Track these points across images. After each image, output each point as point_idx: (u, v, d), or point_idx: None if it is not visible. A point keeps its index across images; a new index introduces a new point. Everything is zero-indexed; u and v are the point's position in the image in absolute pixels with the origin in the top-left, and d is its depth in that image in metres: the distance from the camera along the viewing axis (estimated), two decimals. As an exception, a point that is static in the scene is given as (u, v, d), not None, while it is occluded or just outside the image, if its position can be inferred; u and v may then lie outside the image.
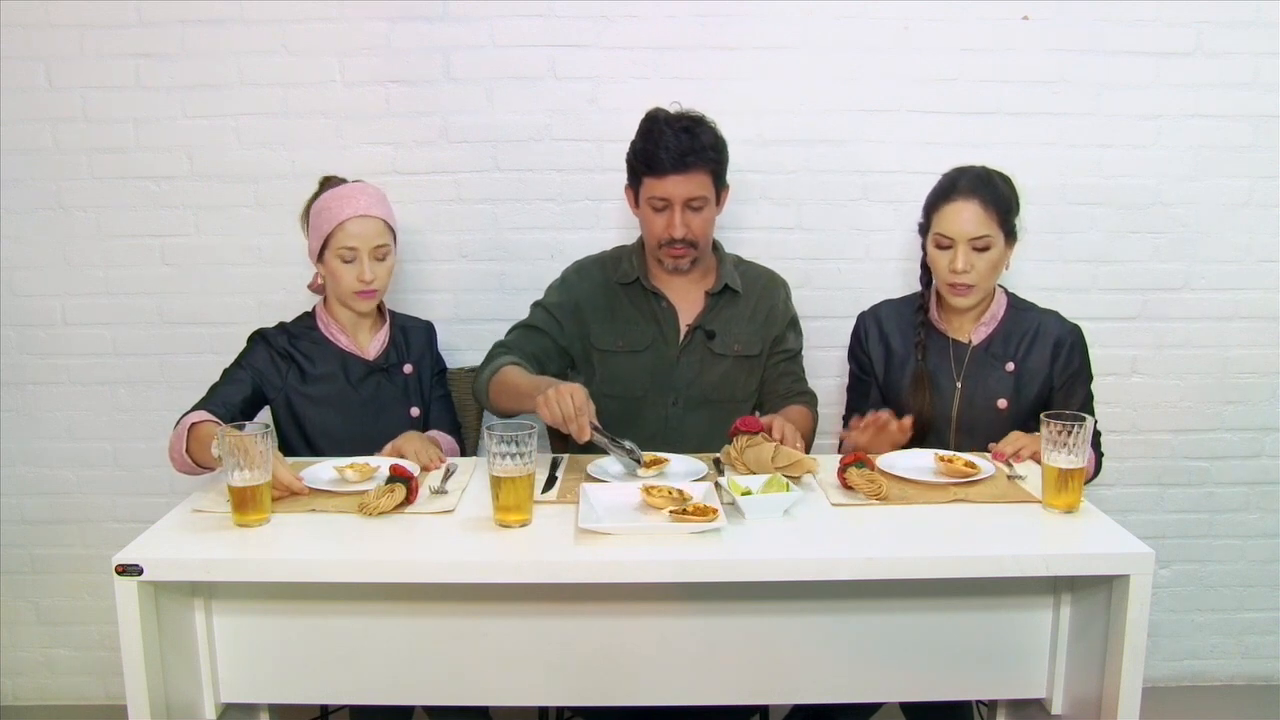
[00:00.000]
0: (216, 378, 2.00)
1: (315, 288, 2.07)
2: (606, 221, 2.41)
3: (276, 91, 2.34)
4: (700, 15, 2.32)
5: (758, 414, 2.02)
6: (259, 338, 2.01)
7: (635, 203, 2.05)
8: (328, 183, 2.03)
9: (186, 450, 1.73)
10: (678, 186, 1.94)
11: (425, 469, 1.74)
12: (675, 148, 1.92)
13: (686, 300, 2.10)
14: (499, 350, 2.04)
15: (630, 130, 2.31)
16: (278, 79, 2.33)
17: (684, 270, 2.06)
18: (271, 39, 2.31)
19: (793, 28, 2.33)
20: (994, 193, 1.90)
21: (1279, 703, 2.62)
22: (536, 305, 2.13)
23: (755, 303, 2.13)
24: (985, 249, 1.89)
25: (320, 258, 1.97)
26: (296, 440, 1.99)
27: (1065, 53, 2.34)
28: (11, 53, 2.30)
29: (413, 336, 2.10)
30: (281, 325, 2.04)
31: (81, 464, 2.52)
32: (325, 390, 1.99)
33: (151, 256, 2.42)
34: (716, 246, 2.16)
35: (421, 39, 2.32)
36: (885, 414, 1.84)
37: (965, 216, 1.89)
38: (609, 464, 1.77)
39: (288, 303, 2.41)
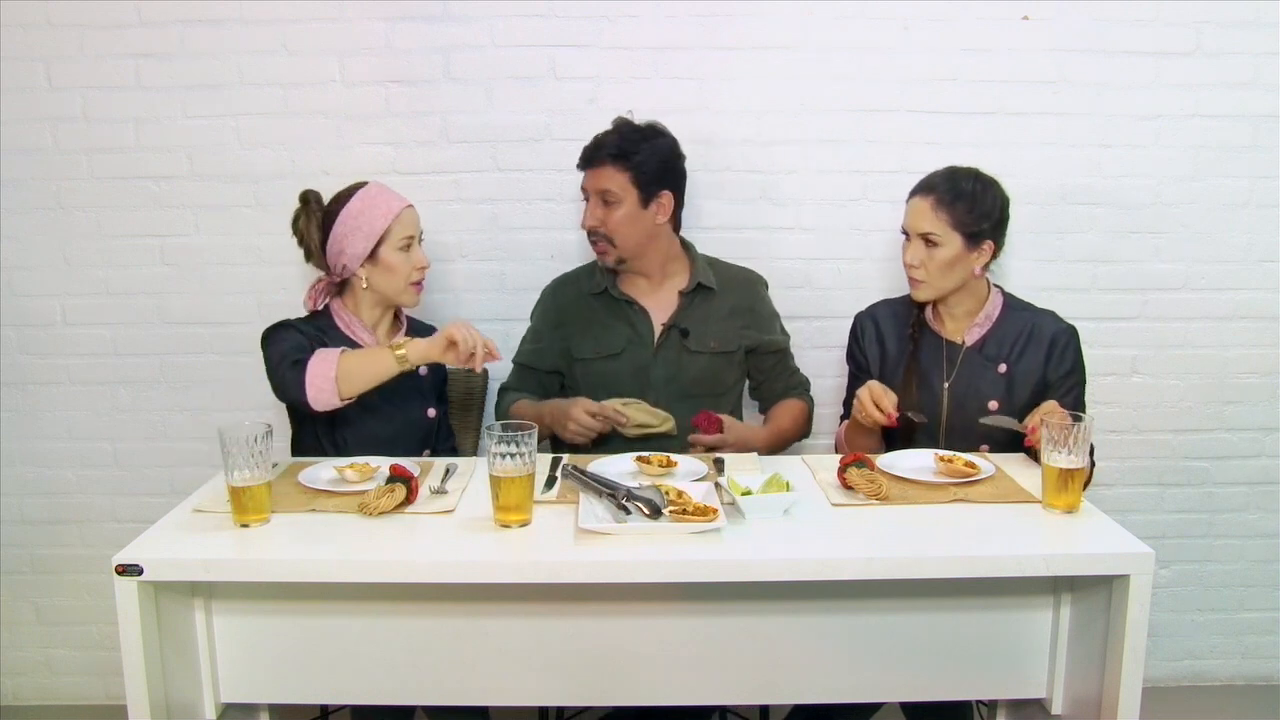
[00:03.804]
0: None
1: (314, 308, 2.00)
2: (606, 221, 2.41)
3: (276, 91, 2.34)
4: (700, 15, 2.32)
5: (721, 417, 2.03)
6: (288, 326, 1.93)
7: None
8: (312, 195, 1.98)
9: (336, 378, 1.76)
10: (590, 179, 2.08)
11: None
12: (593, 144, 2.08)
13: (658, 301, 2.15)
14: (507, 396, 2.17)
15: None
16: (278, 79, 2.33)
17: (608, 266, 2.12)
18: (271, 39, 2.31)
19: (792, 28, 2.33)
20: (952, 192, 1.90)
21: (1279, 703, 2.62)
22: (524, 337, 2.23)
23: (734, 300, 2.17)
24: (935, 245, 1.90)
25: (372, 257, 1.93)
26: (315, 436, 1.97)
27: (1065, 53, 2.34)
28: (11, 53, 2.30)
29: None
30: (296, 322, 1.97)
31: (81, 464, 2.52)
32: None
33: (151, 256, 2.42)
34: (688, 247, 2.20)
35: (421, 39, 2.32)
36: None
37: (916, 211, 1.92)
38: (610, 464, 1.77)
39: (288, 303, 2.40)
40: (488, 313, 2.45)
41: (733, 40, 2.33)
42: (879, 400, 1.83)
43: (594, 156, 2.06)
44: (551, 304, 2.21)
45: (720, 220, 2.41)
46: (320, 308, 2.01)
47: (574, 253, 2.38)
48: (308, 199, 1.99)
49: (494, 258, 2.44)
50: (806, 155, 2.39)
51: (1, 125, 2.34)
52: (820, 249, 2.44)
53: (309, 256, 2.00)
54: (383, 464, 1.72)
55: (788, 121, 2.37)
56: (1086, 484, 1.83)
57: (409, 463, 1.65)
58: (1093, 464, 1.94)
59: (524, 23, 2.32)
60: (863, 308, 2.12)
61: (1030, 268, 2.42)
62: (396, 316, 2.06)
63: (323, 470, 1.74)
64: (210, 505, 1.61)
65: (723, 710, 2.08)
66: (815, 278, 2.45)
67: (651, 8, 2.32)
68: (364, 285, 1.96)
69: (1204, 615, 2.65)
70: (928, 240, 1.90)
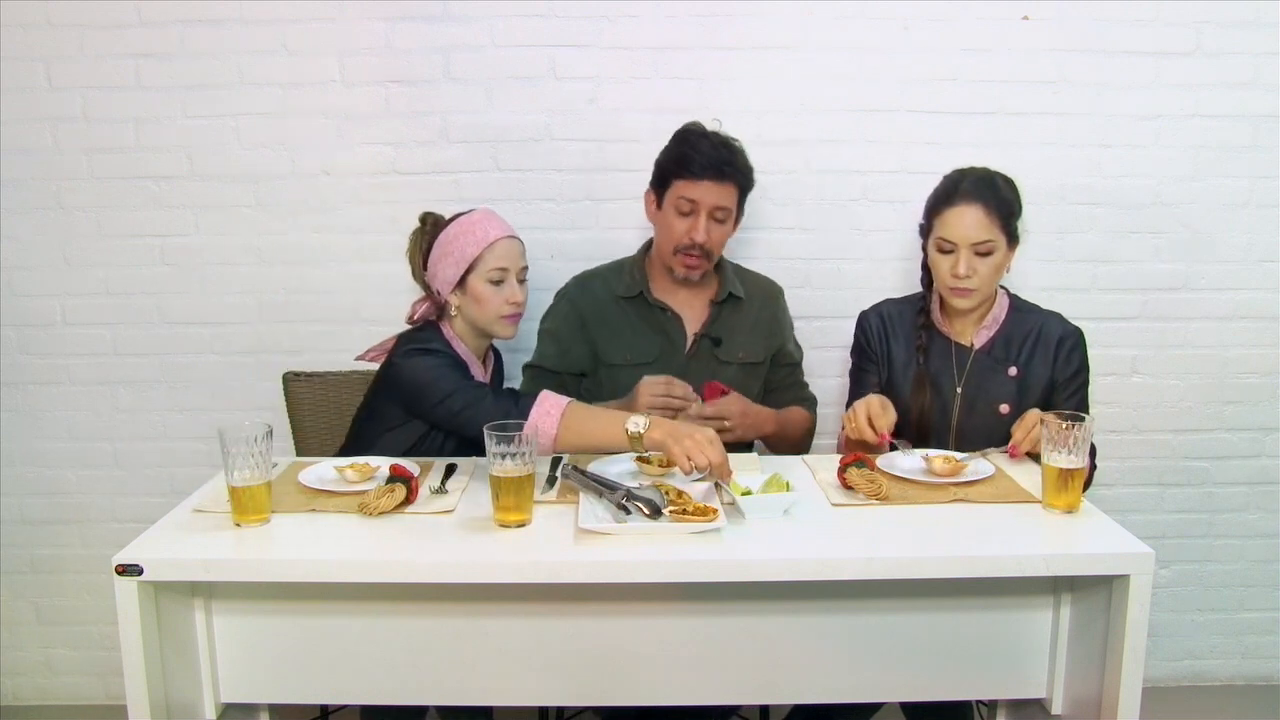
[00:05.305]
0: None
1: (414, 320, 1.95)
2: (606, 221, 2.41)
3: (276, 91, 2.34)
4: (700, 15, 2.32)
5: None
6: (438, 353, 1.84)
7: (658, 205, 2.06)
8: (430, 218, 1.95)
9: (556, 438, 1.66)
10: (709, 193, 1.98)
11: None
12: (714, 156, 1.97)
13: (691, 310, 2.12)
14: None
15: (630, 131, 2.33)
16: (278, 79, 2.33)
17: (692, 281, 2.08)
18: (271, 39, 2.31)
19: (792, 28, 2.33)
20: (997, 196, 1.88)
21: (1279, 703, 2.62)
22: (542, 335, 2.16)
23: (758, 310, 2.16)
24: (988, 253, 1.87)
25: (461, 284, 1.88)
26: (418, 448, 1.90)
27: (1065, 53, 2.34)
28: (11, 53, 2.30)
29: (497, 364, 2.09)
30: (439, 344, 1.90)
31: (81, 464, 2.52)
32: None
33: (151, 256, 2.42)
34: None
35: (421, 39, 2.32)
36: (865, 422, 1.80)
37: (968, 221, 1.86)
38: (610, 464, 1.77)
39: (288, 303, 2.41)
40: (488, 313, 2.45)
41: (733, 40, 2.33)
42: (875, 418, 1.79)
43: (724, 171, 1.97)
44: (576, 304, 2.14)
45: (720, 220, 2.41)
46: (419, 321, 1.94)
47: (574, 253, 2.38)
48: (425, 220, 1.96)
49: (494, 258, 2.44)
50: (806, 155, 2.39)
51: (1, 125, 2.34)
52: (820, 249, 2.44)
53: (415, 276, 1.96)
54: (383, 464, 1.72)
55: (788, 121, 2.37)
56: (1087, 485, 1.82)
57: (409, 463, 1.65)
58: (1094, 465, 1.94)
59: (524, 23, 2.32)
60: (863, 307, 2.11)
61: (1030, 268, 2.41)
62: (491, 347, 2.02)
63: (323, 470, 1.74)
64: (210, 505, 1.61)
65: (723, 710, 2.08)
66: (815, 278, 2.45)
67: (651, 8, 2.31)
68: (453, 313, 1.91)
69: (1204, 615, 2.65)
70: (979, 249, 1.86)
